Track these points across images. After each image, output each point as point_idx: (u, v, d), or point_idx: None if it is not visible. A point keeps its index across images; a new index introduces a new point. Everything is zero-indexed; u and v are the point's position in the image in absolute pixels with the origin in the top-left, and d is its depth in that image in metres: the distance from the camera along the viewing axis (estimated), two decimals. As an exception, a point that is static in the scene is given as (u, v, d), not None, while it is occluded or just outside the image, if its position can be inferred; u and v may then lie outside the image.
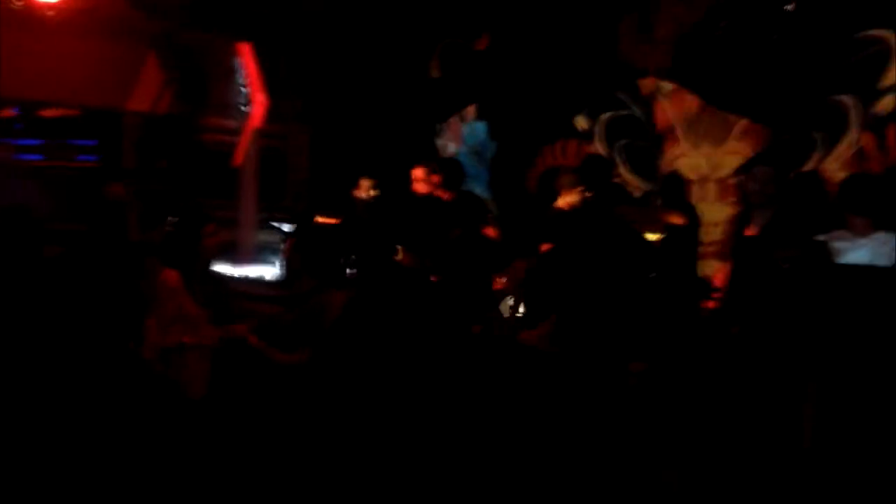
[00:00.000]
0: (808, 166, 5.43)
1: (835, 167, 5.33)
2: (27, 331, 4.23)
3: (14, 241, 4.85)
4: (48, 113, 7.26)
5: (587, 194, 5.31)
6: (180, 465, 3.62)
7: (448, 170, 5.42)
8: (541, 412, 4.15)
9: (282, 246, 6.78)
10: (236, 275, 6.56)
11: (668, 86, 6.12)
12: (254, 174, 7.17)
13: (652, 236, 5.08)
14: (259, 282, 6.76)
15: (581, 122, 6.51)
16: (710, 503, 3.53)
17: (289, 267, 6.49)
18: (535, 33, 6.60)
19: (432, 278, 5.11)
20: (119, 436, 3.76)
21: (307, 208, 6.68)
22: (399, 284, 5.13)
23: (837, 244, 3.80)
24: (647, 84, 6.22)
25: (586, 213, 5.22)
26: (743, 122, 5.77)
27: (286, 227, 6.86)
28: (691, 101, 6.01)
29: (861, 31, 5.19)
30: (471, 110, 7.22)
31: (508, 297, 5.12)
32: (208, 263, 4.43)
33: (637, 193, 6.23)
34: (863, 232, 3.79)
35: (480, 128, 7.19)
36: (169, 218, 4.87)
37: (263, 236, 6.97)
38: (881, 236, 3.74)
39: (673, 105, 6.10)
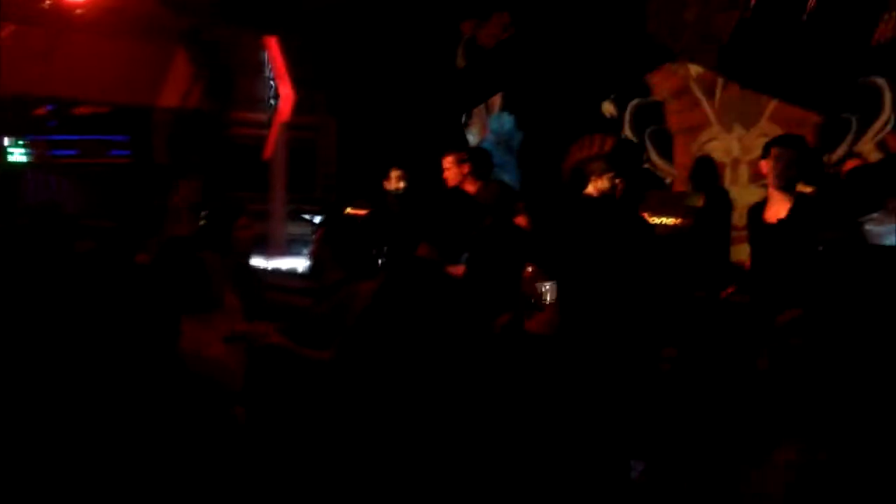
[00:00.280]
0: (842, 149, 5.36)
1: (868, 149, 5.27)
2: (56, 327, 4.28)
3: (46, 237, 4.92)
4: (81, 110, 7.36)
5: (617, 181, 5.28)
6: (213, 462, 3.65)
7: (477, 159, 5.41)
8: (568, 401, 4.14)
9: (312, 238, 6.81)
10: (268, 267, 6.61)
11: (696, 68, 6.07)
12: (283, 167, 7.22)
13: (669, 221, 5.04)
14: (290, 274, 6.81)
15: (609, 109, 6.48)
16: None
17: (318, 259, 6.50)
18: (561, 17, 6.56)
19: (457, 270, 5.11)
20: (150, 433, 3.79)
21: (337, 200, 6.72)
22: (425, 277, 5.13)
23: (875, 227, 3.75)
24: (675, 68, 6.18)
25: (617, 199, 5.19)
26: (775, 104, 5.70)
27: (316, 219, 6.89)
28: (721, 84, 5.96)
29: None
30: (497, 101, 7.21)
31: (539, 285, 5.10)
32: (242, 256, 4.46)
33: (669, 179, 6.19)
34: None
35: (507, 119, 7.17)
36: (202, 212, 4.91)
37: (294, 228, 7.01)
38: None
39: (702, 88, 6.06)
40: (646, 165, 6.26)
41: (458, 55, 7.26)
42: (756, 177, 5.74)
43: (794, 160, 4.09)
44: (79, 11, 6.09)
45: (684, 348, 4.29)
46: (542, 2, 6.66)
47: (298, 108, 7.27)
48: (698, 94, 6.09)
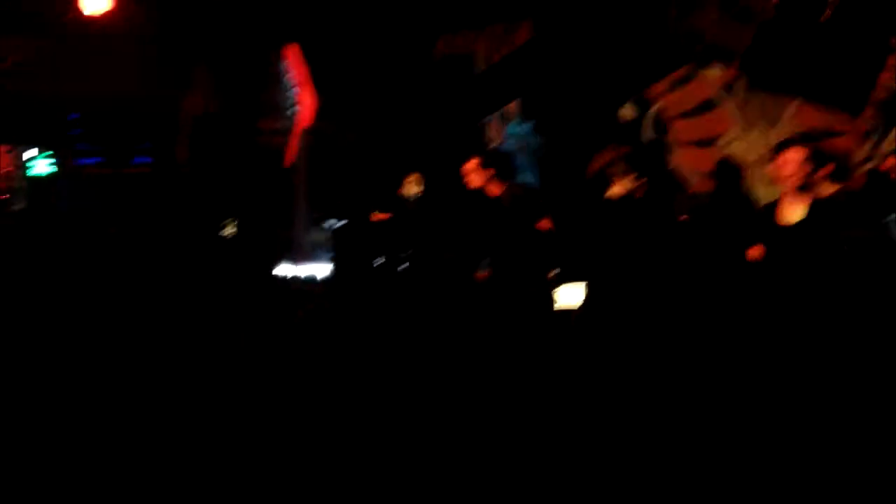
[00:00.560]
0: (864, 149, 5.33)
1: (891, 148, 5.22)
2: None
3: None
4: (105, 119, 7.43)
5: (640, 182, 5.29)
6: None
7: (500, 162, 5.43)
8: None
9: (333, 243, 6.86)
10: (291, 273, 6.65)
11: (715, 71, 6.06)
12: (304, 173, 7.27)
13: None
14: (312, 279, 6.85)
15: (628, 112, 6.47)
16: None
17: (338, 263, 6.56)
18: (580, 19, 6.56)
19: (480, 275, 5.13)
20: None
21: (357, 205, 6.75)
22: (448, 281, 5.17)
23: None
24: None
25: (640, 200, 5.20)
26: (797, 103, 5.68)
27: (338, 225, 6.93)
28: (742, 83, 5.94)
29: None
30: (514, 108, 7.22)
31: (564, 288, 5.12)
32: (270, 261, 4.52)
33: (691, 181, 6.18)
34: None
35: (526, 124, 7.19)
36: (228, 219, 4.97)
37: (316, 235, 7.05)
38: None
39: (723, 89, 6.04)
40: (668, 167, 6.25)
41: (477, 60, 7.30)
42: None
43: (804, 161, 4.07)
44: (102, 21, 6.15)
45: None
46: (561, 7, 6.67)
47: (319, 114, 7.32)
48: (719, 94, 6.07)
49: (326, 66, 7.34)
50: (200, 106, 7.28)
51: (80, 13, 6.27)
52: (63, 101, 6.66)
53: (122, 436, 3.68)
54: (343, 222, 6.77)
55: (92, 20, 6.25)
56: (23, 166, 8.42)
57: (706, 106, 6.15)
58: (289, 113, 7.34)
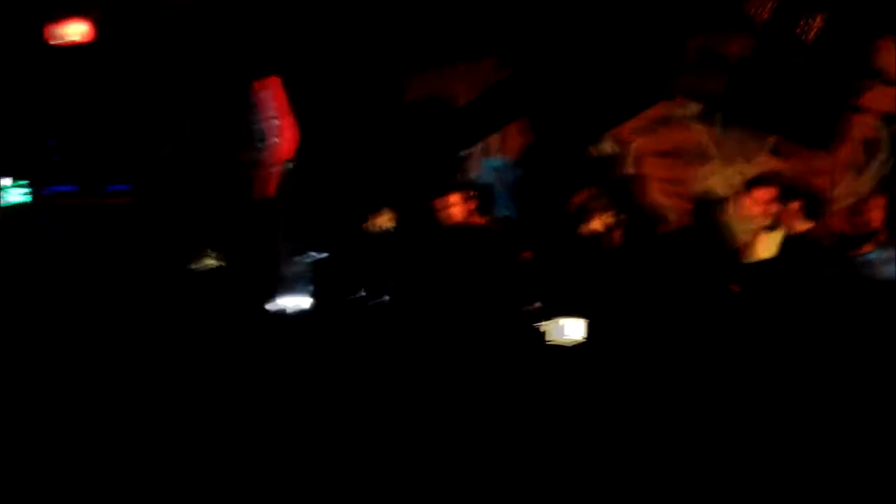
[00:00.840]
0: (843, 186, 5.43)
1: (868, 188, 5.33)
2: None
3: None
4: (82, 150, 7.38)
5: (620, 216, 5.35)
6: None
7: (482, 195, 5.47)
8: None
9: (314, 275, 6.83)
10: (270, 305, 6.60)
11: (693, 107, 6.16)
12: (284, 205, 7.25)
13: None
14: (292, 311, 6.80)
15: (607, 148, 6.55)
16: None
17: (318, 295, 6.54)
18: (559, 58, 6.65)
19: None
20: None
21: (334, 236, 6.75)
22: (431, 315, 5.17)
23: (879, 260, 3.81)
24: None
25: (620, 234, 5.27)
26: (773, 138, 5.78)
27: (318, 257, 6.91)
28: (719, 120, 6.04)
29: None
30: (495, 142, 7.29)
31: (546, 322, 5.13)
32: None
33: (671, 216, 6.25)
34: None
35: (504, 160, 7.24)
36: (209, 250, 4.94)
37: (296, 267, 7.01)
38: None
39: (702, 124, 6.14)
40: (646, 202, 6.32)
41: (458, 94, 7.36)
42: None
43: (774, 199, 4.13)
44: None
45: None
46: (536, 42, 6.75)
47: (300, 146, 7.32)
48: (696, 131, 6.17)
49: (307, 99, 7.36)
50: (180, 136, 7.27)
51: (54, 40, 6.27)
52: (39, 128, 6.61)
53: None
54: (323, 255, 6.76)
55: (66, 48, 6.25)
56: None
57: (682, 142, 6.25)
58: (269, 145, 7.33)
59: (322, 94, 7.46)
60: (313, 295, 6.76)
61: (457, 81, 7.39)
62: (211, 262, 6.26)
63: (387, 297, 5.75)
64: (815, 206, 5.09)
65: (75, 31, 6.47)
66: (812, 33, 5.14)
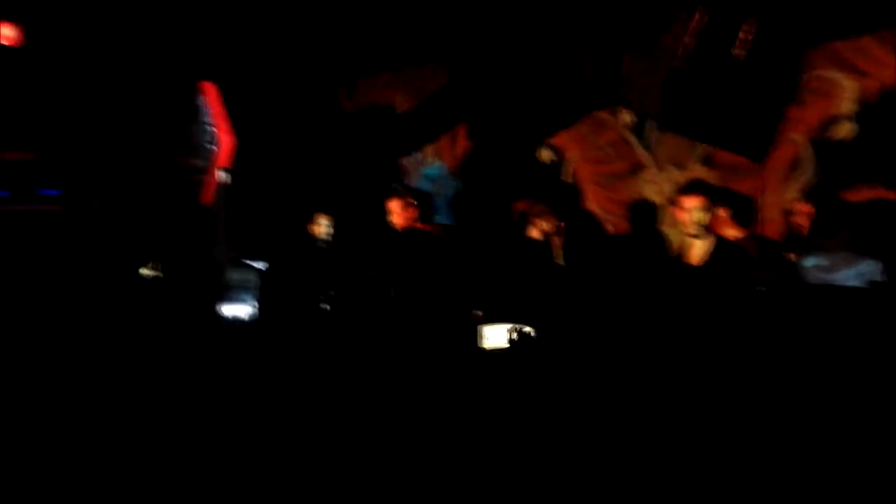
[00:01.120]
0: (771, 195, 5.61)
1: (794, 195, 5.52)
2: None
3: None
4: (13, 157, 7.16)
5: (560, 223, 5.43)
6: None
7: (423, 202, 5.50)
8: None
9: (256, 284, 6.76)
10: (213, 314, 6.52)
11: (626, 114, 6.30)
12: (223, 213, 7.16)
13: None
14: (235, 320, 6.72)
15: (546, 155, 6.64)
16: None
17: (262, 304, 6.48)
18: (499, 66, 6.73)
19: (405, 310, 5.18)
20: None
21: (277, 245, 6.69)
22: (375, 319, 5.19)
23: (817, 267, 3.94)
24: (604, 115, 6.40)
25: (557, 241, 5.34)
26: (705, 145, 5.94)
27: (259, 265, 6.84)
28: (653, 126, 6.18)
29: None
30: (431, 150, 7.32)
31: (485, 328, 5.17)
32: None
33: (607, 223, 6.37)
34: (836, 252, 3.95)
35: (441, 165, 7.29)
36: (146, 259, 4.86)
37: (237, 275, 6.94)
38: (866, 265, 3.89)
39: (636, 133, 6.28)
40: (584, 209, 6.44)
41: (399, 101, 7.38)
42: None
43: (702, 208, 4.25)
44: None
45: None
46: (473, 51, 6.82)
47: (238, 154, 7.24)
48: (630, 138, 6.31)
49: (245, 106, 7.29)
50: (114, 142, 7.11)
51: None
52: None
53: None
54: (264, 262, 6.69)
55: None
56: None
57: (618, 149, 6.38)
58: (207, 151, 7.24)
59: (259, 101, 7.40)
60: (254, 303, 6.70)
61: (396, 89, 7.42)
62: (147, 271, 6.14)
63: (327, 305, 5.73)
64: (745, 213, 5.26)
65: (3, 34, 6.28)
66: (740, 51, 5.31)
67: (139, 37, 6.91)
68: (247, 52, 7.18)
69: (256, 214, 7.37)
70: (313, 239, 6.01)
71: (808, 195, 5.32)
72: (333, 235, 5.87)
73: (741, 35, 5.28)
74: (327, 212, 5.92)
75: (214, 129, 7.18)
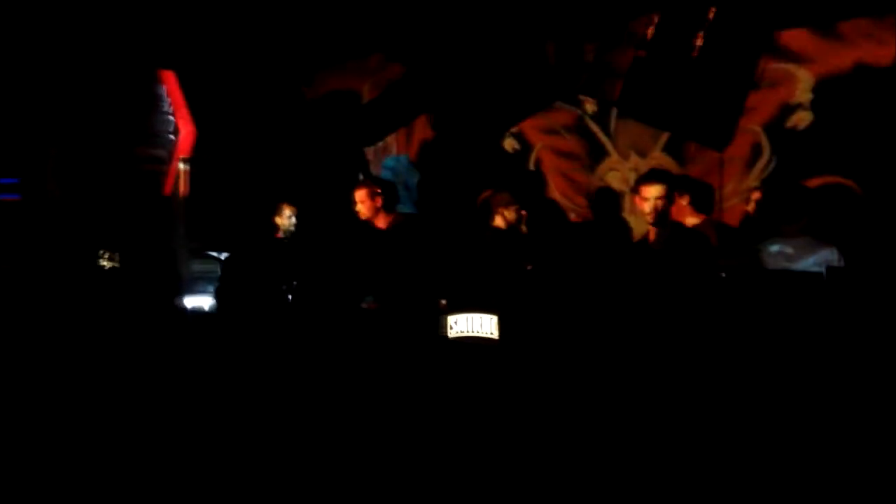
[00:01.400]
0: (730, 184, 5.70)
1: (753, 185, 5.62)
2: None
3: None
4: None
5: (522, 213, 5.46)
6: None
7: (388, 192, 5.49)
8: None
9: (217, 275, 6.70)
10: (172, 305, 6.43)
11: (589, 104, 6.35)
12: (184, 203, 7.09)
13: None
14: (195, 310, 6.65)
15: (510, 144, 6.67)
16: None
17: (221, 294, 6.42)
18: (461, 55, 6.72)
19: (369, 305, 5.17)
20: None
21: (237, 235, 6.64)
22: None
23: (779, 254, 4.02)
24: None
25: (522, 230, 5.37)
26: (667, 134, 6.01)
27: (221, 256, 6.78)
28: (614, 115, 6.24)
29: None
30: (393, 142, 7.31)
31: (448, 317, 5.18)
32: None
33: (571, 211, 6.42)
34: (797, 239, 4.04)
35: (402, 159, 7.29)
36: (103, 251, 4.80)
37: (199, 266, 6.86)
38: (826, 252, 3.97)
39: (597, 121, 6.34)
40: (549, 197, 6.48)
41: (362, 90, 7.36)
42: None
43: (661, 196, 4.31)
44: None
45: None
46: (435, 40, 6.81)
47: (197, 143, 7.17)
48: (594, 127, 6.37)
49: (206, 95, 7.22)
50: (74, 128, 6.99)
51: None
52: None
53: None
54: (225, 253, 6.63)
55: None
56: None
57: (581, 139, 6.43)
58: (167, 140, 7.15)
59: (220, 90, 7.32)
60: (214, 295, 6.64)
61: (361, 77, 7.39)
62: (105, 262, 6.06)
63: (290, 296, 5.70)
64: (704, 201, 5.33)
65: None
66: (701, 41, 5.38)
67: (98, 24, 6.80)
68: (207, 40, 7.11)
69: (219, 204, 7.30)
70: (277, 229, 5.99)
71: (766, 182, 5.42)
72: (297, 225, 5.86)
73: (702, 25, 5.34)
74: (291, 202, 5.91)
75: (174, 119, 7.11)
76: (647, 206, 4.34)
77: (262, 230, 6.30)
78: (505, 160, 6.70)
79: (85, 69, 7.03)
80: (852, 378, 3.43)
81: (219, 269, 6.48)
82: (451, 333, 4.92)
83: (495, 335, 4.40)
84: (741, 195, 5.54)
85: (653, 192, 4.32)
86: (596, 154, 6.35)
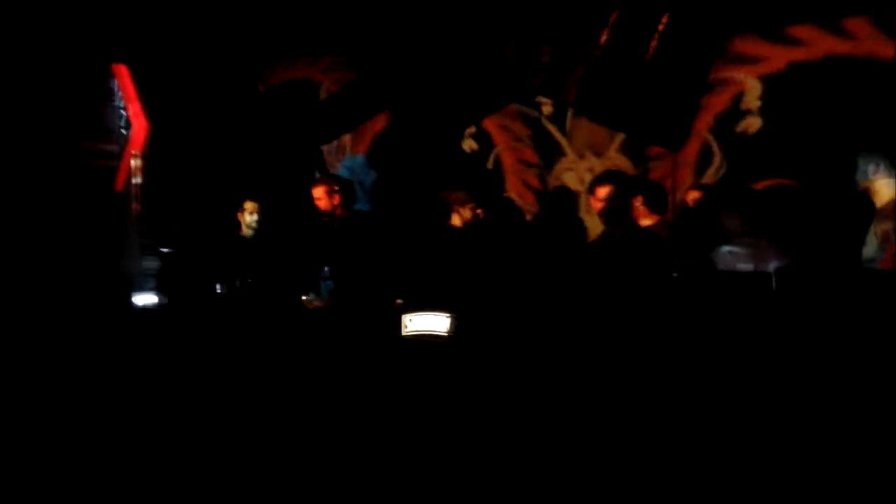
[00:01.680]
0: (685, 184, 5.80)
1: (707, 184, 5.71)
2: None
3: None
4: None
5: (479, 211, 5.48)
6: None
7: (346, 189, 5.47)
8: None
9: (166, 271, 6.62)
10: (122, 303, 6.33)
11: (545, 104, 6.41)
12: (136, 199, 6.98)
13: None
14: (144, 308, 6.56)
15: (469, 144, 6.70)
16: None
17: (171, 292, 6.35)
18: (417, 53, 6.72)
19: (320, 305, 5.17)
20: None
21: (192, 232, 6.57)
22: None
23: (731, 254, 4.10)
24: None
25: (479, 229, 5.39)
26: (622, 134, 6.09)
27: (170, 252, 6.70)
28: (570, 114, 6.30)
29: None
30: (348, 142, 7.30)
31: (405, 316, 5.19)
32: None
33: (528, 211, 6.46)
34: (747, 239, 4.11)
35: (359, 157, 7.27)
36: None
37: (148, 262, 6.78)
38: (774, 252, 4.06)
39: (553, 121, 6.39)
40: (506, 197, 6.51)
41: (321, 89, 7.33)
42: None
43: (614, 197, 4.37)
44: None
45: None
46: (390, 38, 6.80)
47: (152, 138, 7.06)
48: (550, 127, 6.42)
49: (160, 89, 7.11)
50: (20, 123, 6.82)
51: None
52: None
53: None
54: (176, 249, 6.55)
55: None
56: None
57: (538, 139, 6.48)
58: (119, 135, 7.03)
59: (175, 84, 7.23)
60: (166, 291, 6.55)
61: (317, 76, 7.36)
62: (56, 260, 5.95)
63: (243, 292, 5.66)
64: (658, 201, 5.40)
65: None
66: (656, 43, 5.46)
67: (49, 16, 6.66)
68: (161, 33, 7.00)
69: (173, 201, 7.21)
70: (239, 226, 5.93)
71: (717, 185, 5.53)
72: (260, 222, 5.82)
73: (656, 29, 5.42)
74: (253, 198, 5.86)
75: (127, 113, 7.00)
76: (600, 207, 4.40)
77: (219, 226, 6.23)
78: (463, 159, 6.73)
79: (34, 62, 6.88)
80: (800, 372, 3.52)
81: (169, 266, 6.42)
82: (406, 332, 4.94)
83: (448, 334, 4.43)
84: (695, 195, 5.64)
85: (605, 192, 4.37)
86: (552, 154, 6.40)
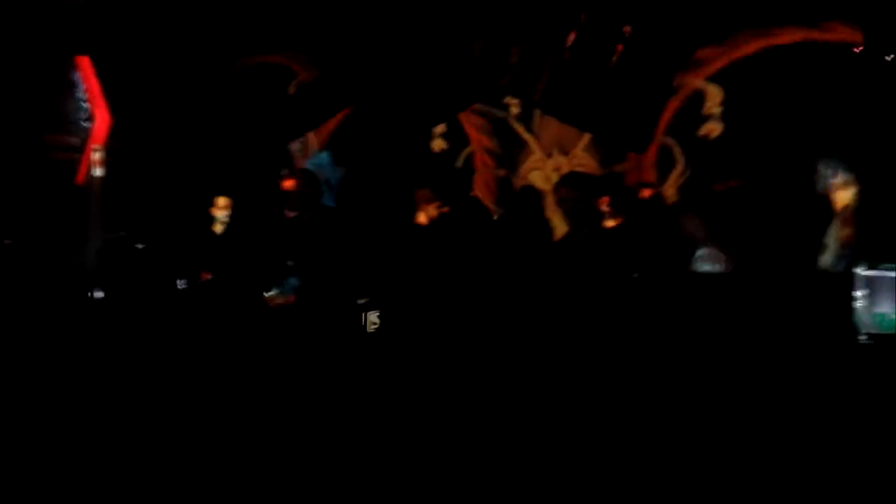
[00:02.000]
0: (648, 190, 5.85)
1: (670, 193, 5.79)
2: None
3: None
4: None
5: (444, 209, 5.50)
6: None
7: (313, 185, 5.45)
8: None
9: (129, 265, 6.54)
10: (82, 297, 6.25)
11: (512, 103, 6.44)
12: (98, 192, 6.89)
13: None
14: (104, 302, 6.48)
15: (438, 143, 6.70)
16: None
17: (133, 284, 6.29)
18: (385, 52, 6.72)
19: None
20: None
21: (156, 226, 6.51)
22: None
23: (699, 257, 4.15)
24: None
25: (444, 226, 5.41)
26: (589, 135, 6.14)
27: (139, 246, 6.62)
28: (537, 114, 6.34)
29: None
30: (314, 140, 7.27)
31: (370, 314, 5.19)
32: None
33: (495, 209, 6.48)
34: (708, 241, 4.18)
35: (325, 155, 7.25)
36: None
37: (109, 256, 6.68)
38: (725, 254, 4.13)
39: (521, 120, 6.42)
40: (473, 195, 6.53)
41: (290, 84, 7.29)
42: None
43: (576, 199, 4.41)
44: None
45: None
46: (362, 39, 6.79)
47: (115, 131, 6.96)
48: (518, 127, 6.45)
49: (124, 81, 7.02)
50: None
51: None
52: None
53: None
54: (139, 244, 6.47)
55: None
56: None
57: (504, 136, 6.50)
58: (81, 128, 6.93)
59: (138, 77, 7.14)
60: (127, 284, 6.47)
61: (287, 72, 7.32)
62: (16, 253, 5.87)
63: (205, 286, 5.62)
64: (623, 202, 5.45)
65: None
66: (621, 47, 5.52)
67: (10, 8, 6.55)
68: (124, 25, 6.92)
69: (136, 194, 7.13)
70: (212, 220, 5.90)
71: (682, 187, 5.61)
72: (231, 217, 5.80)
73: (621, 35, 5.49)
74: (227, 194, 5.83)
75: (89, 105, 6.90)
76: (566, 207, 4.43)
77: (183, 221, 6.19)
78: (431, 158, 6.75)
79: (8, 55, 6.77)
80: (753, 368, 3.58)
81: (133, 260, 6.34)
82: (370, 328, 4.94)
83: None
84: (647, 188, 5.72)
85: (569, 193, 4.41)
86: (520, 153, 6.44)
